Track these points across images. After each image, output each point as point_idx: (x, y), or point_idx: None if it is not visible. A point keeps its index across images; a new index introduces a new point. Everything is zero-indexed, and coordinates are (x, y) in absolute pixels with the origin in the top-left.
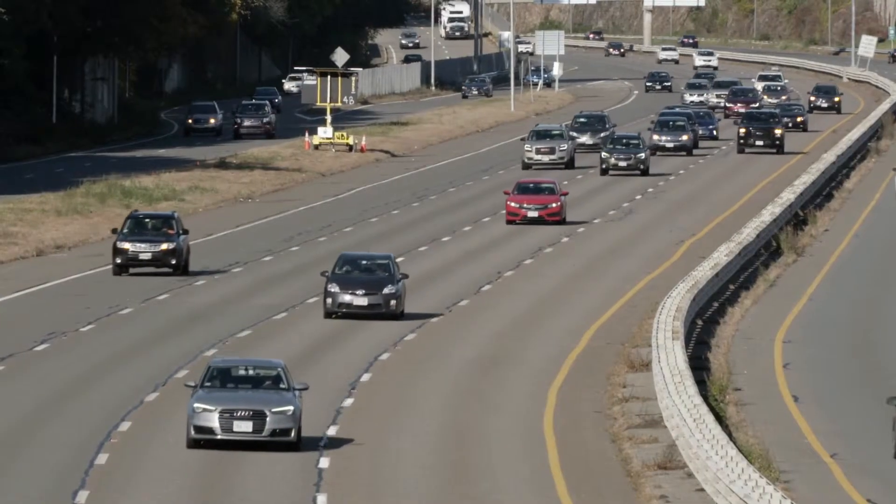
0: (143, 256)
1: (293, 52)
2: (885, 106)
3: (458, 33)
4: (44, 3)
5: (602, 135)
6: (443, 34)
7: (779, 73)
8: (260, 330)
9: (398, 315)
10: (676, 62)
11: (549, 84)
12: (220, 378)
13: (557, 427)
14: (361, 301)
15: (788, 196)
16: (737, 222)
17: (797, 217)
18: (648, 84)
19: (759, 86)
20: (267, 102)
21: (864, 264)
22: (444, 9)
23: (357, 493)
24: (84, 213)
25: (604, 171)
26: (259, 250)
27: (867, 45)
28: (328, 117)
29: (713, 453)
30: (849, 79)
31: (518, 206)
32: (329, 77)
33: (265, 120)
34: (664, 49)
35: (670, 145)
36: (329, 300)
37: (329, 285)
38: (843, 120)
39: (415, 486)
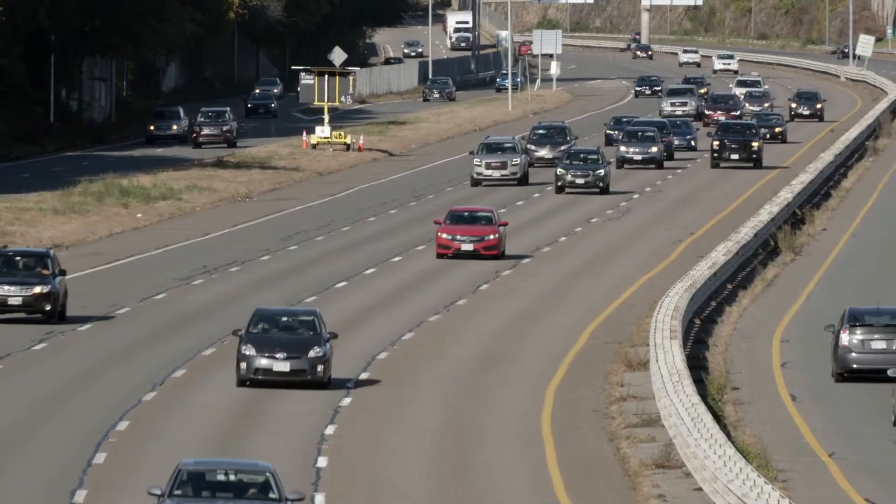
0: (12, 301)
1: (291, 51)
2: (882, 105)
3: (463, 44)
4: (42, 2)
5: (563, 148)
6: (448, 45)
7: (758, 78)
8: None
9: (325, 383)
10: (698, 65)
11: (516, 87)
12: (193, 484)
13: (555, 426)
14: (282, 366)
15: (786, 195)
16: (735, 221)
17: (795, 216)
18: (638, 89)
19: (740, 92)
20: (227, 109)
21: (862, 264)
22: (444, 15)
23: (355, 492)
24: (82, 212)
25: (559, 189)
26: (257, 249)
27: (865, 45)
28: (326, 116)
29: (711, 452)
30: (846, 78)
31: (450, 237)
32: (327, 76)
33: (225, 128)
34: (686, 51)
35: (638, 158)
36: (244, 364)
37: (243, 347)
38: (825, 129)
39: (413, 485)
